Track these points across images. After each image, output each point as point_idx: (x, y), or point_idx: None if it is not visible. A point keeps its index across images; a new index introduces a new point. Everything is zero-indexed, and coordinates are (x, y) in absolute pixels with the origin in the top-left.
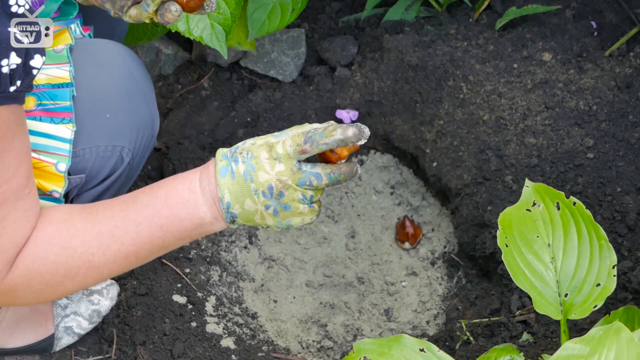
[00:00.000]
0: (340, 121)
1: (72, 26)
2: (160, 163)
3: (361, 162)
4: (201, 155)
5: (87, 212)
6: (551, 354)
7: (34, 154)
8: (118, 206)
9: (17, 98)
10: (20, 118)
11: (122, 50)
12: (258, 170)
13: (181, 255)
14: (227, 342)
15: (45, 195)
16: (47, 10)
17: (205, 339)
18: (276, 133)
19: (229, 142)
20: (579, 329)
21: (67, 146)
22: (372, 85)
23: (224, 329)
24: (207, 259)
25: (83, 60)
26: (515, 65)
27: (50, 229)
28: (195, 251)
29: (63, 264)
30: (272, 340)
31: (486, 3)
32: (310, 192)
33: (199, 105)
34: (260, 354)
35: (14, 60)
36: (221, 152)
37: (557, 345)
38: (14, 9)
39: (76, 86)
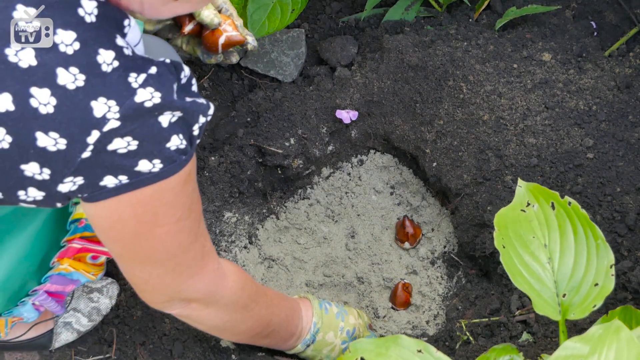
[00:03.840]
0: (340, 121)
1: None
2: None
3: (361, 162)
4: (201, 155)
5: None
6: (551, 354)
7: None
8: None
9: (196, 145)
10: (195, 154)
11: (164, 45)
12: (349, 315)
13: None
14: (227, 342)
15: None
16: None
17: (205, 339)
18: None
19: (229, 142)
20: (579, 329)
21: None
22: (372, 85)
23: None
24: None
25: None
26: (515, 65)
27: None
28: None
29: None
30: None
31: (486, 3)
32: None
33: None
34: (260, 354)
35: (202, 120)
36: (313, 297)
37: (557, 345)
38: (183, 81)
39: None
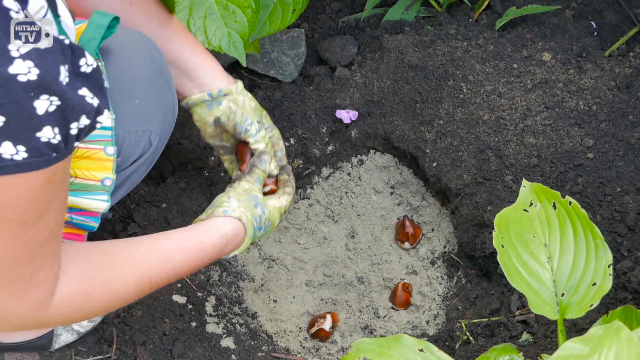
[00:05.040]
0: (340, 121)
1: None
2: (160, 163)
3: (361, 162)
4: (201, 155)
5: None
6: (551, 354)
7: (82, 145)
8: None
9: (73, 148)
10: (70, 158)
11: (141, 38)
12: (271, 229)
13: None
14: (227, 342)
15: (96, 186)
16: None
17: (205, 339)
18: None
19: None
20: (579, 329)
21: (109, 133)
22: (372, 85)
23: (223, 329)
24: None
25: (107, 50)
26: (515, 65)
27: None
28: None
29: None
30: (272, 340)
31: (486, 3)
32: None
33: None
34: (260, 354)
35: (84, 122)
36: (250, 232)
37: (557, 345)
38: (83, 69)
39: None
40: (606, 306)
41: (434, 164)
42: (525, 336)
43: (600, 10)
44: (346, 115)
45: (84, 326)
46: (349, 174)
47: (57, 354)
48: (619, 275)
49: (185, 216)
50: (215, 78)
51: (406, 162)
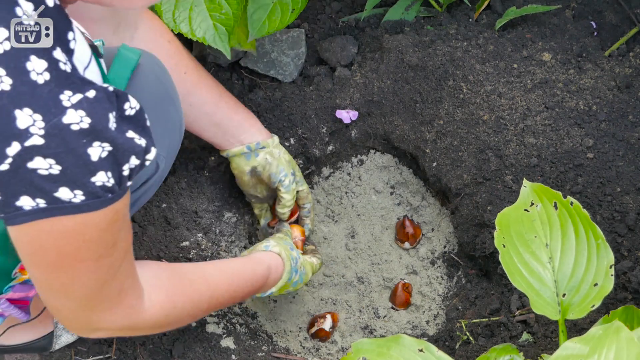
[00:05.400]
0: (340, 121)
1: (97, 43)
2: None
3: (361, 162)
4: (201, 155)
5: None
6: (551, 354)
7: None
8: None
9: (127, 188)
10: (128, 196)
11: (146, 57)
12: (305, 279)
13: (181, 255)
14: (227, 342)
15: None
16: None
17: (205, 339)
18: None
19: None
20: (579, 329)
21: None
22: (372, 85)
23: (223, 329)
24: (207, 259)
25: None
26: (515, 65)
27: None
28: (195, 251)
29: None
30: (272, 340)
31: (486, 3)
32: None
33: None
34: (260, 354)
35: (134, 162)
36: (288, 267)
37: (557, 345)
38: (127, 112)
39: None
40: (606, 306)
41: (434, 164)
42: (525, 336)
43: (600, 10)
44: (346, 115)
45: None
46: (349, 174)
47: (57, 354)
48: (619, 275)
49: (185, 216)
50: (255, 133)
51: (406, 162)
